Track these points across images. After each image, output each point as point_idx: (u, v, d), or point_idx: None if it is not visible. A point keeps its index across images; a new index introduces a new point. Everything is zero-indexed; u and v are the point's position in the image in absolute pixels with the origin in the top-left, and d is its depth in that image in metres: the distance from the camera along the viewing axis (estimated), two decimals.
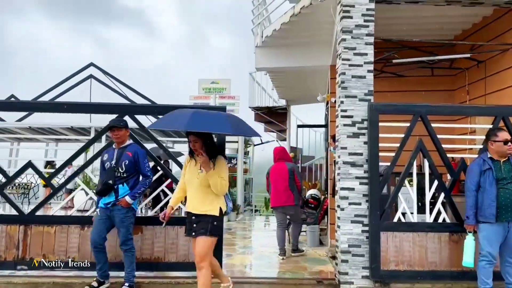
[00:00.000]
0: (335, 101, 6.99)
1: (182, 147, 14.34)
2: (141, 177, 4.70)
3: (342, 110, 4.93)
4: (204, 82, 11.90)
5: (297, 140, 10.81)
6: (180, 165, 4.85)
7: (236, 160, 13.80)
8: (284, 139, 13.56)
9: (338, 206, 4.88)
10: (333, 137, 5.99)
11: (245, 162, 14.73)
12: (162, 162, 12.76)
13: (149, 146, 5.49)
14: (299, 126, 10.74)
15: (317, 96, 11.12)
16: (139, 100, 16.21)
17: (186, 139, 4.05)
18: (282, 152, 6.70)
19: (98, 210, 4.53)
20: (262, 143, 16.24)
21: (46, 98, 15.37)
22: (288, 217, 6.60)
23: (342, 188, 4.84)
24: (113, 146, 4.62)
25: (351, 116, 4.92)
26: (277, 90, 11.15)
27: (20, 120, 15.07)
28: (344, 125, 4.91)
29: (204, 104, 11.87)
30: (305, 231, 7.68)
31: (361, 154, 4.87)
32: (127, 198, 4.55)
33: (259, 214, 14.56)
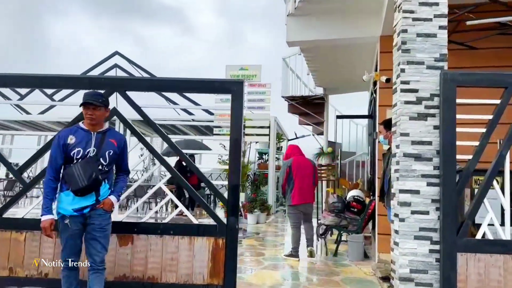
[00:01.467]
0: (387, 80, 5.61)
1: (211, 143, 13.22)
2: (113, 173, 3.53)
3: (402, 82, 3.55)
4: (232, 69, 10.70)
5: (335, 134, 9.47)
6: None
7: (268, 155, 12.53)
8: (321, 133, 12.16)
9: (396, 215, 3.51)
10: (385, 123, 4.63)
11: (277, 158, 13.43)
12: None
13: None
14: (338, 116, 9.37)
15: (359, 82, 9.66)
16: (175, 96, 15.31)
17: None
18: (300, 149, 6.43)
19: (66, 220, 3.26)
20: (297, 137, 14.90)
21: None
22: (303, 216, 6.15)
23: (402, 191, 3.47)
24: (82, 126, 3.41)
25: (415, 90, 3.53)
26: (313, 76, 9.79)
27: (42, 113, 14.54)
28: (406, 102, 3.52)
29: None
30: (345, 241, 6.32)
31: (429, 143, 3.47)
32: (113, 198, 3.40)
33: (285, 215, 13.25)
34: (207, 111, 12.13)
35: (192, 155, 11.81)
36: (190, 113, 13.52)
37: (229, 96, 3.83)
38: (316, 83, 10.61)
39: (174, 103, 13.89)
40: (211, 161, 13.46)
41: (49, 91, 14.56)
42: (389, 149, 4.69)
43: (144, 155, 15.35)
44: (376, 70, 6.12)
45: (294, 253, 5.93)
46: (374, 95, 6.00)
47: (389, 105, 5.73)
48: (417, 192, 3.45)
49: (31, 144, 17.37)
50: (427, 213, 3.43)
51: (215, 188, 4.06)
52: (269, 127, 12.07)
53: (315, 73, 9.40)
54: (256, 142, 12.52)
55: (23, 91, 14.90)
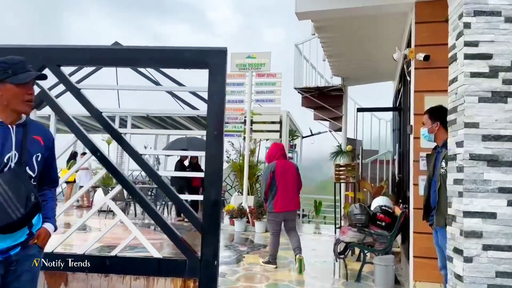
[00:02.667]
0: (425, 58, 4.33)
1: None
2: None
3: (467, 44, 2.29)
4: (238, 57, 9.49)
5: (356, 130, 8.19)
6: None
7: None
8: (339, 129, 10.85)
9: (458, 251, 2.25)
10: (431, 111, 3.38)
11: (290, 158, 12.17)
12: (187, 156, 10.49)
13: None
14: (359, 109, 8.08)
15: (383, 69, 8.34)
16: (166, 83, 14.20)
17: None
18: (284, 149, 6.04)
19: None
20: (312, 134, 13.64)
21: (73, 78, 13.82)
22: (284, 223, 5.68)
23: (468, 214, 2.21)
24: None
25: (487, 56, 2.26)
26: (330, 63, 8.50)
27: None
28: (473, 75, 2.26)
29: (238, 82, 9.48)
30: (370, 262, 5.04)
31: (510, 138, 2.20)
32: (49, 227, 2.24)
33: (307, 221, 11.97)
34: (197, 95, 10.98)
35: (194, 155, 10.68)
36: (192, 106, 12.39)
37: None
38: (333, 72, 9.31)
39: (177, 97, 12.78)
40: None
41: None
42: (435, 147, 3.43)
43: (151, 153, 14.36)
44: (409, 47, 4.82)
45: (272, 260, 5.61)
46: (408, 78, 4.71)
47: (428, 90, 4.47)
48: (492, 215, 2.20)
49: None
50: (508, 249, 2.17)
51: (175, 196, 2.86)
52: (280, 122, 10.85)
53: (332, 59, 8.11)
54: (267, 140, 11.29)
55: None
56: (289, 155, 12.04)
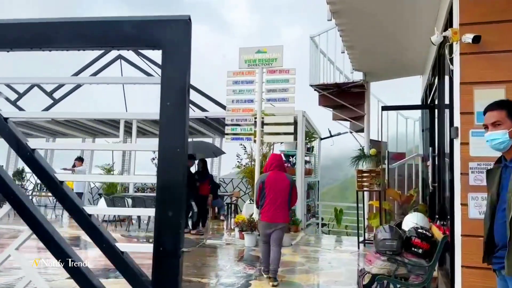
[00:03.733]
0: (475, 39, 3.31)
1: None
2: None
3: None
4: (247, 52, 8.56)
5: (380, 131, 7.16)
6: None
7: (295, 158, 10.31)
8: (361, 130, 9.81)
9: None
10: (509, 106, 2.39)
11: (307, 161, 11.19)
12: (196, 161, 9.61)
13: None
14: (384, 108, 7.04)
15: (411, 60, 7.30)
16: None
17: None
18: (282, 160, 5.95)
19: None
20: (331, 135, 12.63)
21: (78, 80, 13.11)
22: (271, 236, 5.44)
23: None
24: None
25: None
26: (350, 56, 7.49)
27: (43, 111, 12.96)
28: None
29: (248, 80, 8.55)
30: None
31: None
32: None
33: (327, 231, 10.95)
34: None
35: (203, 160, 9.81)
36: (202, 108, 11.54)
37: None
38: (353, 66, 8.29)
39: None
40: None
41: (49, 88, 13.04)
42: (500, 159, 2.45)
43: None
44: (448, 28, 3.79)
45: (264, 273, 5.50)
46: (451, 66, 3.69)
47: (479, 81, 3.45)
48: None
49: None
50: None
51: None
52: (295, 123, 9.89)
53: (351, 50, 7.11)
54: (281, 143, 10.33)
55: (20, 88, 13.47)
56: (306, 158, 11.06)
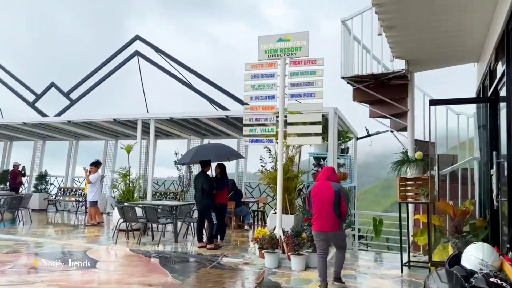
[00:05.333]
0: None
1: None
2: None
3: None
4: (267, 41, 7.40)
5: (429, 129, 5.78)
6: None
7: (326, 161, 9.03)
8: (404, 128, 8.40)
9: None
10: None
11: (341, 165, 9.87)
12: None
13: None
14: (433, 102, 5.65)
15: (462, 48, 5.88)
16: (194, 80, 12.39)
17: None
18: (331, 171, 5.78)
19: None
20: (368, 135, 11.23)
21: (94, 79, 12.41)
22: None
23: None
24: None
25: None
26: (389, 38, 6.14)
27: (59, 114, 12.38)
28: None
29: (268, 73, 7.38)
30: None
31: None
32: None
33: (365, 246, 9.60)
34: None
35: (221, 164, 8.73)
36: (220, 105, 10.52)
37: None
38: (394, 52, 6.92)
39: (207, 97, 10.96)
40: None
41: (65, 88, 12.42)
42: None
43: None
44: None
45: (322, 284, 5.41)
46: None
47: None
48: None
49: (62, 149, 15.56)
50: None
51: None
52: (326, 122, 8.64)
53: (392, 32, 5.78)
54: (310, 145, 9.10)
55: (38, 89, 12.97)
56: (340, 161, 9.75)
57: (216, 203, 8.19)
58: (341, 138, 9.74)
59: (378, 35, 6.17)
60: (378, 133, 10.73)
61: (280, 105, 7.15)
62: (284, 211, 8.33)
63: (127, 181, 10.22)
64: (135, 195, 10.33)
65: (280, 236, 6.94)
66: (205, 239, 8.12)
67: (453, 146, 8.41)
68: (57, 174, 15.46)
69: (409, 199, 6.62)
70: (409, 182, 6.62)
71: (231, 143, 12.61)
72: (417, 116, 8.23)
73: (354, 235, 9.86)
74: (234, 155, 8.65)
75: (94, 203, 10.77)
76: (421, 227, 6.95)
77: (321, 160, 9.43)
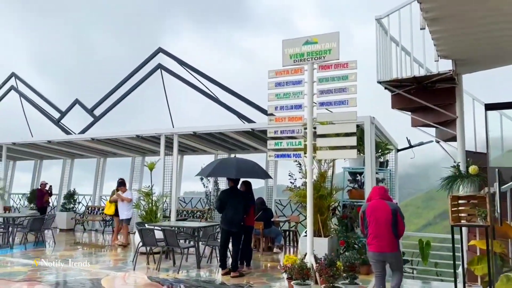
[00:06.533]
0: None
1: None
2: None
3: None
4: (292, 44, 6.65)
5: (486, 138, 4.82)
6: None
7: (363, 177, 8.12)
8: (452, 138, 7.37)
9: None
10: None
11: (380, 180, 8.90)
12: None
13: None
14: (490, 107, 4.70)
15: None
16: (219, 92, 11.76)
17: None
18: (384, 191, 5.63)
19: None
20: (410, 146, 10.18)
21: (118, 94, 12.05)
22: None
23: None
24: None
25: None
26: (434, 34, 5.25)
27: (83, 131, 12.08)
28: None
29: (294, 80, 6.62)
30: None
31: None
32: None
33: (411, 273, 8.52)
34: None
35: (246, 182, 7.99)
36: (247, 119, 9.81)
37: None
38: (439, 50, 5.98)
39: (233, 109, 10.30)
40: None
41: (89, 105, 12.12)
42: None
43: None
44: None
45: None
46: None
47: None
48: None
49: (90, 168, 15.31)
50: None
51: None
52: (361, 133, 7.79)
53: (437, 26, 4.89)
54: (345, 159, 8.22)
55: (63, 106, 12.77)
56: (378, 176, 8.79)
57: (246, 225, 7.45)
58: (380, 151, 8.80)
59: (421, 29, 5.27)
60: (421, 144, 9.69)
61: (308, 115, 6.35)
62: (317, 234, 7.47)
63: (150, 200, 9.65)
64: (158, 215, 9.75)
65: (312, 265, 6.06)
66: (230, 264, 7.35)
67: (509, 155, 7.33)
68: (85, 192, 15.23)
69: (463, 221, 5.63)
70: (462, 201, 5.64)
71: (259, 157, 11.89)
72: (467, 124, 7.20)
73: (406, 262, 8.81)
74: (259, 174, 7.82)
75: (128, 221, 10.34)
76: (478, 253, 5.90)
77: (358, 175, 8.51)
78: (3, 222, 10.88)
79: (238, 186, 7.70)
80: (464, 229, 6.15)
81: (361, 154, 8.07)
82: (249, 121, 9.85)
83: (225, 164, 7.81)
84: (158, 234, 7.88)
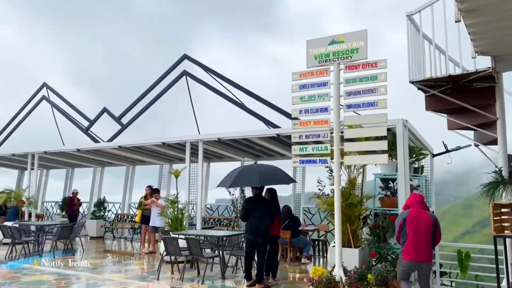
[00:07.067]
0: None
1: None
2: None
3: None
4: (317, 45, 6.34)
5: None
6: None
7: (396, 184, 7.66)
8: (492, 141, 6.83)
9: None
10: None
11: (415, 187, 8.39)
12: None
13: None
14: None
15: None
16: (245, 98, 11.51)
17: None
18: (424, 199, 5.62)
19: None
20: (447, 150, 9.61)
21: (143, 103, 12.03)
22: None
23: None
24: None
25: None
26: (470, 27, 4.83)
27: (111, 139, 12.14)
28: None
29: (319, 82, 6.32)
30: None
31: None
32: None
33: (449, 285, 7.96)
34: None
35: (271, 189, 7.69)
36: (273, 125, 9.51)
37: None
38: (476, 46, 5.53)
39: (260, 116, 10.05)
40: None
41: (117, 113, 12.18)
42: None
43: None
44: None
45: None
46: None
47: None
48: None
49: (120, 175, 15.42)
50: None
51: None
52: (393, 136, 7.36)
53: (474, 18, 4.48)
54: (376, 165, 7.78)
55: (91, 115, 12.90)
56: (413, 182, 8.28)
57: (273, 234, 7.16)
58: (414, 156, 8.28)
59: (456, 21, 4.86)
60: (458, 148, 9.12)
61: (334, 118, 5.99)
62: (346, 244, 7.07)
63: (175, 208, 9.51)
64: (184, 223, 9.58)
65: (341, 278, 5.68)
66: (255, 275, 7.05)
67: None
68: (115, 200, 15.33)
69: (507, 232, 5.14)
70: (505, 210, 5.16)
71: (286, 164, 11.57)
72: (509, 125, 6.66)
73: (434, 271, 8.24)
74: (283, 179, 7.48)
75: (156, 229, 10.28)
76: None
77: (390, 182, 8.04)
78: (35, 230, 11.04)
79: (263, 194, 7.42)
80: (508, 239, 5.63)
81: (394, 160, 7.62)
82: (276, 127, 9.56)
83: (247, 173, 7.51)
84: (182, 243, 7.70)
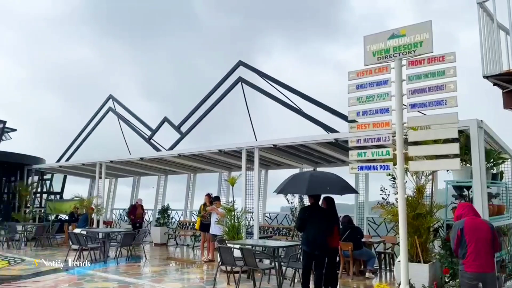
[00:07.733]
0: None
1: None
2: None
3: None
4: (375, 40, 5.83)
5: None
6: None
7: (472, 191, 6.84)
8: None
9: None
10: None
11: (494, 195, 7.48)
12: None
13: None
14: None
15: None
16: (303, 104, 11.07)
17: None
18: (473, 207, 5.37)
19: None
20: None
21: (202, 109, 12.08)
22: None
23: None
24: None
25: None
26: None
27: (171, 148, 12.31)
28: None
29: (379, 80, 5.79)
30: None
31: None
32: None
33: None
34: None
35: (328, 198, 7.21)
36: (332, 130, 9.01)
37: None
38: None
39: (318, 121, 9.61)
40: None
41: (176, 121, 12.34)
42: None
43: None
44: None
45: None
46: None
47: None
48: None
49: (182, 183, 15.66)
50: None
51: None
52: (466, 139, 6.63)
53: None
54: (447, 171, 7.03)
55: (153, 124, 13.20)
56: (491, 190, 7.42)
57: (331, 247, 6.70)
58: (491, 160, 7.40)
59: None
60: None
61: (397, 120, 5.44)
62: (415, 259, 6.42)
63: (232, 216, 9.33)
64: (241, 231, 9.36)
65: None
66: None
67: None
68: (177, 207, 15.58)
69: None
70: None
71: (346, 170, 10.92)
72: None
73: (498, 277, 7.27)
74: (337, 188, 6.86)
75: (215, 237, 10.23)
76: None
77: (465, 190, 7.23)
78: (101, 237, 11.41)
79: (320, 203, 6.96)
80: None
81: (468, 165, 6.83)
82: (334, 132, 9.07)
83: (297, 179, 7.06)
84: (238, 253, 7.46)
